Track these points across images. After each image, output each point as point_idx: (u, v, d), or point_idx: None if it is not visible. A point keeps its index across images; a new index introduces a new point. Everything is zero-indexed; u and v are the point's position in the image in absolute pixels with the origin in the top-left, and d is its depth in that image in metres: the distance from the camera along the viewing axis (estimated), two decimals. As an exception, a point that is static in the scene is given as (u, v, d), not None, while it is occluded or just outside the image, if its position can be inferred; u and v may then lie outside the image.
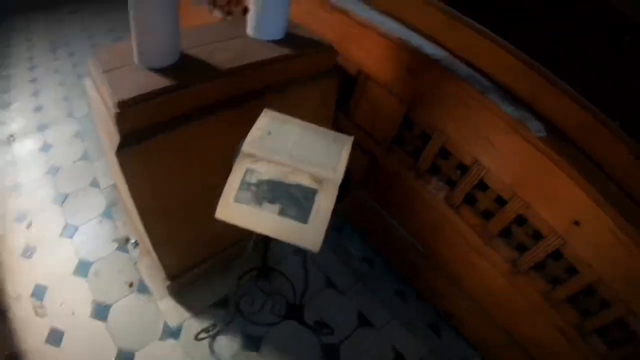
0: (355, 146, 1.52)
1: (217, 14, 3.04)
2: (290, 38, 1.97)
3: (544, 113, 1.81)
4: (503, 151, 1.84)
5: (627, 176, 1.70)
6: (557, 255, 1.83)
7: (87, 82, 1.71)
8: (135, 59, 1.58)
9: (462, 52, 2.00)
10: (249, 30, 1.93)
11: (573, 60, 2.33)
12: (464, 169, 2.06)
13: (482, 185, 2.00)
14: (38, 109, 3.57)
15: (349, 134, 1.47)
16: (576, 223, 1.68)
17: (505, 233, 2.01)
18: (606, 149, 1.73)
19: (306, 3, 2.32)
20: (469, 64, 1.97)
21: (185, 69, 1.62)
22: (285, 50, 1.87)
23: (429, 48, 2.04)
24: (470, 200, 2.10)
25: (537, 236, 1.87)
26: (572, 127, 1.78)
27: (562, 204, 1.72)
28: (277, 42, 1.92)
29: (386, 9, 2.26)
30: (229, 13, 2.98)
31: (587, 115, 1.73)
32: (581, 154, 1.76)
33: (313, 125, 1.49)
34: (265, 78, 1.83)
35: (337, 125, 2.45)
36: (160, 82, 1.53)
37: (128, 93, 1.45)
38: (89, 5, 5.58)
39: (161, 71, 1.58)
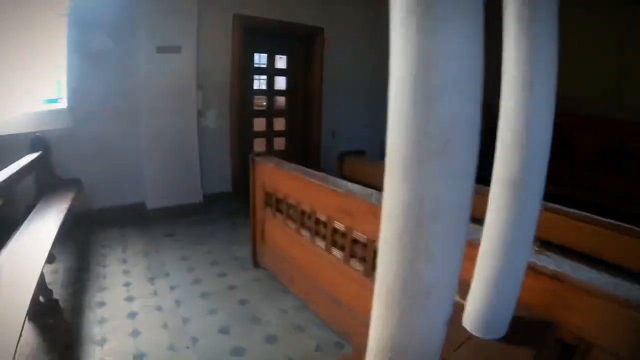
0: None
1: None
2: (511, 326, 1.73)
3: None
4: None
5: None
6: None
7: None
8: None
9: None
10: (470, 326, 1.69)
11: None
12: None
13: None
14: (140, 357, 3.20)
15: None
16: None
17: None
18: None
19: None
20: None
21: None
22: (527, 353, 1.61)
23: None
24: None
25: None
26: None
27: None
28: (505, 340, 1.67)
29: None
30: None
31: None
32: None
33: None
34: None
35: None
36: None
37: None
38: (183, 228, 5.74)
39: None
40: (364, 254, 2.81)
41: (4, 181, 3.76)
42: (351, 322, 3.00)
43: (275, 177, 3.89)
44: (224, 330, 3.44)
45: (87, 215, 5.82)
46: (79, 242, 5.32)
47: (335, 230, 3.05)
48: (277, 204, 3.95)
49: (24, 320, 2.40)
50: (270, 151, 7.11)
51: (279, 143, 7.59)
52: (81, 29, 5.85)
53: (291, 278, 3.81)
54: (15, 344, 2.16)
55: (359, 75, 7.81)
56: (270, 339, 3.32)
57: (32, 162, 4.92)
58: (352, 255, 2.92)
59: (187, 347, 3.27)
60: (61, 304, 3.85)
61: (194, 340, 3.33)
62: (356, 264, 2.88)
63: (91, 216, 5.88)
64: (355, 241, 2.87)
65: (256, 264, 4.46)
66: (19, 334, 2.25)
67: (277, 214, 3.94)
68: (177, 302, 3.86)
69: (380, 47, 7.66)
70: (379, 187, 2.72)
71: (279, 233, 3.94)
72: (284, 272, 3.97)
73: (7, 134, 5.76)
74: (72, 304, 3.88)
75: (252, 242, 4.43)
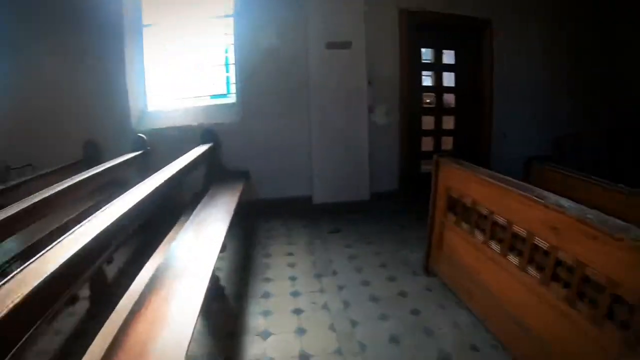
0: None
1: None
2: None
3: None
4: None
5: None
6: None
7: None
8: None
9: None
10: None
11: None
12: None
13: None
14: (304, 358, 3.12)
15: None
16: None
17: None
18: None
19: None
20: None
21: None
22: None
23: None
24: None
25: None
26: None
27: None
28: None
29: None
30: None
31: None
32: None
33: None
34: None
35: None
36: None
37: None
38: (349, 225, 5.78)
39: None
40: (569, 278, 2.51)
41: (180, 170, 3.92)
42: (538, 352, 2.72)
43: (464, 181, 3.61)
44: (394, 340, 3.29)
45: (253, 204, 6.03)
46: (244, 230, 5.51)
47: (535, 248, 2.77)
48: (462, 210, 3.70)
49: (200, 307, 2.46)
50: (439, 151, 6.87)
51: (447, 142, 7.29)
52: (249, 27, 6.20)
53: (469, 292, 3.56)
54: (192, 330, 2.21)
55: (532, 75, 7.21)
56: (443, 356, 3.10)
57: (203, 153, 5.13)
58: (554, 278, 2.62)
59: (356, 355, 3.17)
60: (226, 291, 3.95)
61: (362, 346, 3.22)
62: (558, 289, 2.58)
63: (257, 206, 6.11)
64: (558, 262, 2.57)
65: (428, 270, 4.24)
66: (195, 321, 2.31)
67: (461, 221, 3.70)
68: (345, 303, 3.80)
69: (561, 44, 7.09)
70: (578, 201, 2.38)
71: (461, 242, 3.70)
72: (460, 284, 3.72)
73: (180, 125, 6.15)
74: (237, 292, 4.01)
75: (427, 248, 4.21)
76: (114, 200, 2.73)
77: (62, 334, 3.55)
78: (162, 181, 3.34)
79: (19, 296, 1.39)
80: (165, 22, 6.89)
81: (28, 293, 1.43)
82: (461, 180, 3.66)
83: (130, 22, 6.57)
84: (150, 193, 2.94)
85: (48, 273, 1.58)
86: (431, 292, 3.96)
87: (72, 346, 3.41)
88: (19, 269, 1.63)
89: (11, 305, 1.33)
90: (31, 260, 1.71)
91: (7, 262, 3.85)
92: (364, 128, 6.19)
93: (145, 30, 6.86)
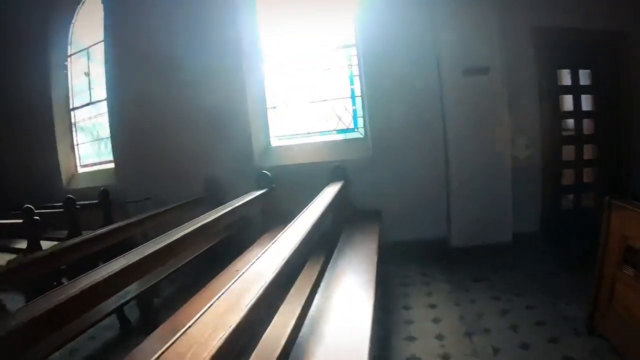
0: None
1: None
2: None
3: None
4: None
5: None
6: None
7: None
8: None
9: None
10: None
11: None
12: None
13: None
14: None
15: None
16: None
17: None
18: None
19: None
20: None
21: None
22: None
23: None
24: None
25: None
26: None
27: None
28: None
29: None
30: None
31: None
32: None
33: None
34: None
35: None
36: None
37: None
38: (493, 272, 5.44)
39: None
40: None
41: (320, 216, 3.88)
42: None
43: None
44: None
45: (384, 246, 5.86)
46: (377, 277, 5.34)
47: None
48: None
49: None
50: (581, 185, 6.43)
51: (587, 174, 6.70)
52: (374, 57, 6.24)
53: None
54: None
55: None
56: None
57: (337, 192, 5.09)
58: None
59: None
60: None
61: None
62: None
63: (388, 249, 5.90)
64: None
65: (592, 329, 3.80)
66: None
67: (645, 279, 3.26)
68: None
69: None
70: None
71: (641, 304, 3.27)
72: (636, 353, 3.34)
73: (307, 162, 6.21)
74: (377, 353, 3.77)
75: (592, 303, 3.76)
76: (265, 252, 2.76)
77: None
78: (307, 229, 3.30)
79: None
80: (285, 54, 7.08)
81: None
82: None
83: (249, 55, 6.80)
84: (296, 248, 2.88)
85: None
86: (600, 358, 3.49)
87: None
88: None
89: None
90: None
91: (123, 304, 4.03)
92: (506, 163, 5.77)
93: (264, 65, 7.08)
